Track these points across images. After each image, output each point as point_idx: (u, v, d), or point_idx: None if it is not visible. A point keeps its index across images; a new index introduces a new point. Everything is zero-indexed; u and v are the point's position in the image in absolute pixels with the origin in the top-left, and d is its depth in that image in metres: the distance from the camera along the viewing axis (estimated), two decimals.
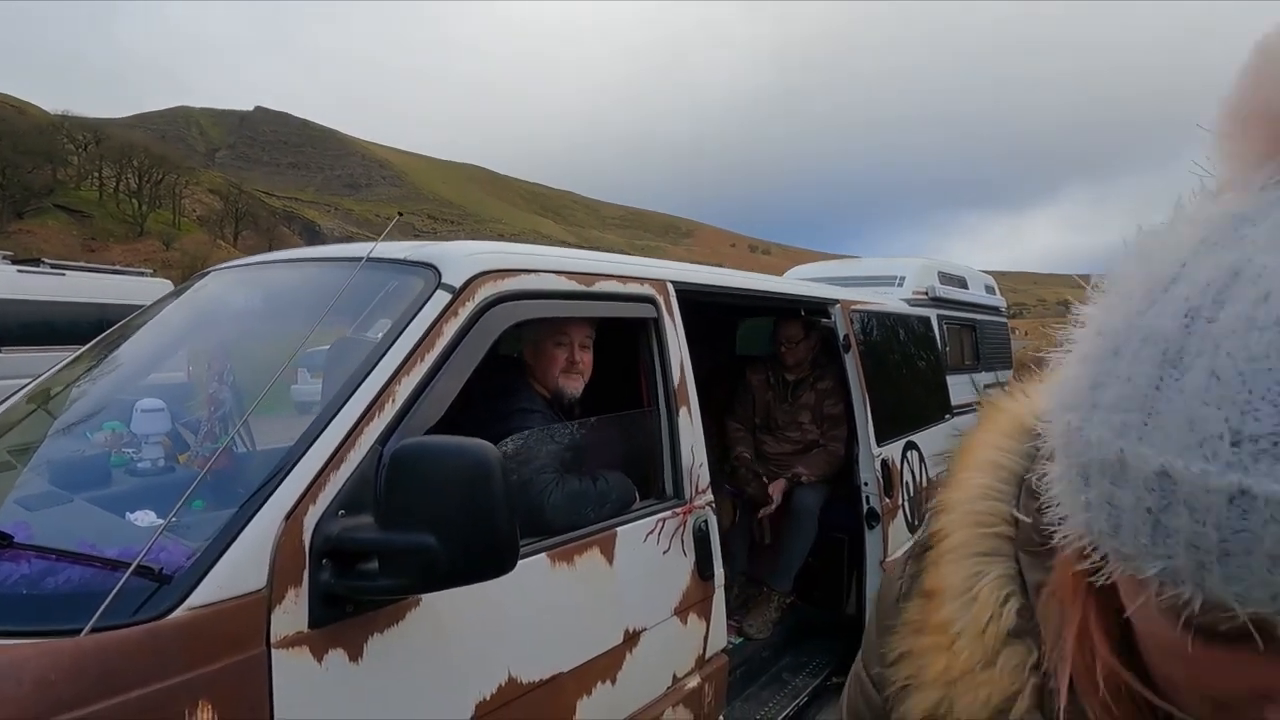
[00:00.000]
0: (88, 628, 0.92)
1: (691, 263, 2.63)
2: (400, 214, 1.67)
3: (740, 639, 2.88)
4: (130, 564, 0.98)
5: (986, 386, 8.93)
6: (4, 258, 8.51)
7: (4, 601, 1.01)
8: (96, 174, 58.85)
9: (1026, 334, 38.14)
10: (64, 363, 1.97)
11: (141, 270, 10.67)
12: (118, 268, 10.75)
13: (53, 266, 8.70)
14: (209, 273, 2.11)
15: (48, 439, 1.72)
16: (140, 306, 2.18)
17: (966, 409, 8.02)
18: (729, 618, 2.03)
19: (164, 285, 9.53)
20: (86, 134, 60.14)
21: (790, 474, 3.01)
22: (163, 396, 1.77)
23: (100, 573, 1.02)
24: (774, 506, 2.97)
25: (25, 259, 9.09)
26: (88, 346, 2.02)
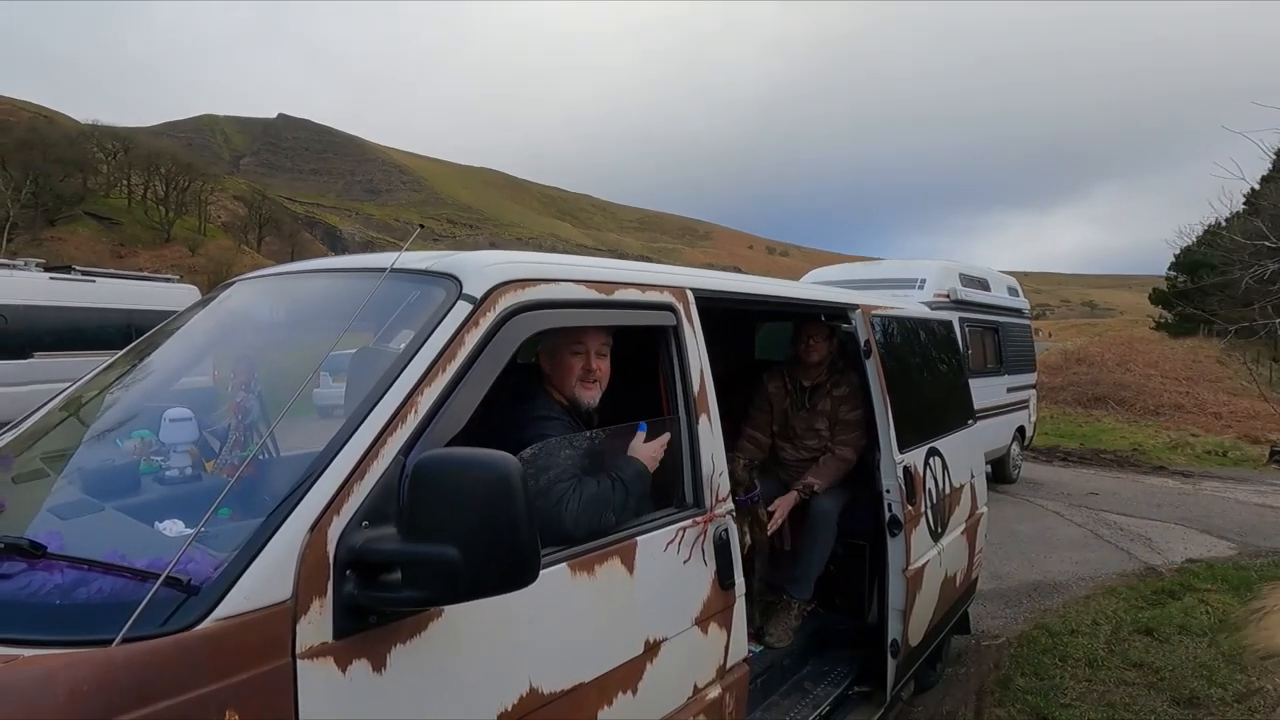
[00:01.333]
0: (118, 638, 0.94)
1: (709, 265, 2.62)
2: (421, 225, 1.68)
3: (760, 647, 2.86)
4: (160, 575, 1.00)
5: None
6: (37, 265, 8.72)
7: (38, 611, 1.03)
8: (125, 182, 60.11)
9: (1051, 335, 37.51)
10: (96, 371, 2.01)
11: (168, 276, 10.88)
12: (145, 274, 10.98)
13: (83, 273, 8.89)
14: (234, 283, 2.14)
15: (80, 446, 1.75)
16: (167, 312, 2.23)
17: (990, 413, 7.91)
18: (749, 625, 2.01)
19: (190, 291, 9.71)
20: (115, 143, 61.38)
21: (801, 485, 2.97)
22: (190, 403, 1.81)
23: (130, 583, 1.04)
24: (778, 522, 2.90)
25: (57, 266, 9.31)
26: (118, 355, 2.06)
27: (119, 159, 59.73)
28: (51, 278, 8.41)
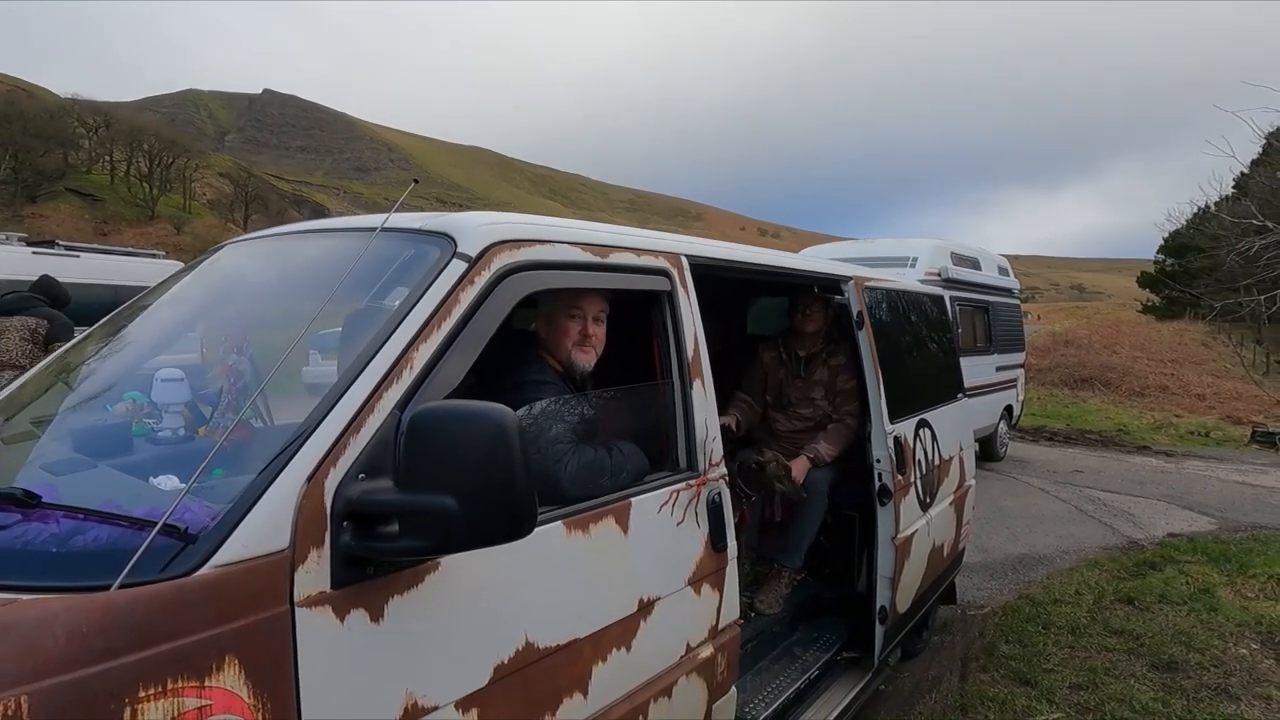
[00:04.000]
0: (117, 583, 0.94)
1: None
2: (416, 180, 1.67)
3: (751, 614, 2.90)
4: (156, 523, 1.00)
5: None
6: (19, 239, 8.58)
7: (35, 559, 1.03)
8: (108, 158, 58.88)
9: (1040, 318, 37.81)
10: (81, 336, 2.00)
11: (154, 252, 10.73)
12: (131, 249, 10.83)
13: (67, 248, 8.76)
14: (223, 246, 2.12)
15: (70, 409, 1.74)
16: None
17: (978, 391, 7.98)
18: (740, 593, 2.04)
19: (176, 268, 9.60)
20: (97, 117, 59.93)
21: (810, 452, 3.00)
22: (180, 366, 1.79)
23: (127, 531, 1.04)
24: (800, 480, 2.94)
25: (40, 240, 9.16)
26: (104, 320, 2.04)
27: (101, 134, 58.42)
28: (34, 252, 8.27)
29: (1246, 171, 18.29)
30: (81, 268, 8.44)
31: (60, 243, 8.99)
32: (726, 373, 3.19)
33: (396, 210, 1.61)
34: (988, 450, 9.11)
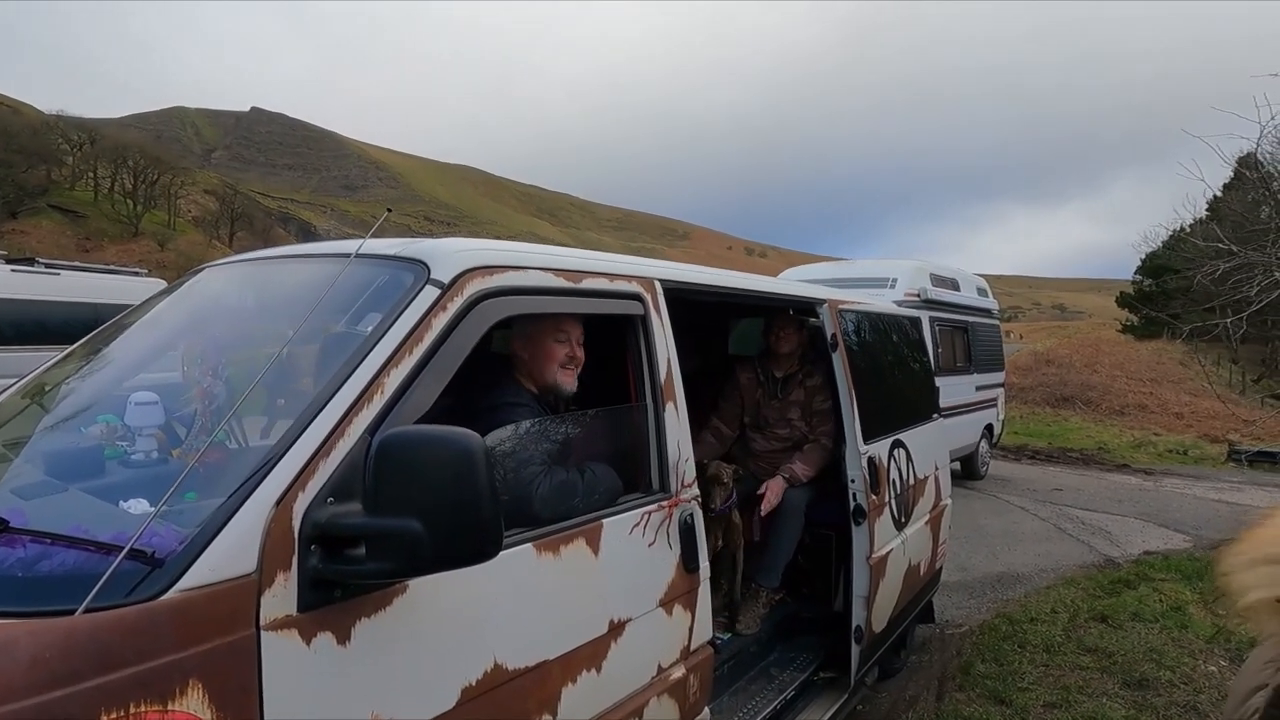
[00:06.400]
0: (81, 608, 0.95)
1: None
2: (389, 210, 1.70)
3: (728, 634, 2.91)
4: (123, 547, 1.01)
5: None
6: None
7: (0, 584, 1.03)
8: (91, 174, 58.44)
9: (1022, 337, 38.32)
10: (57, 358, 2.00)
11: (136, 270, 10.66)
12: (112, 267, 10.74)
13: (47, 266, 8.70)
14: (202, 269, 2.14)
15: (42, 432, 1.74)
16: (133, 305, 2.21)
17: (959, 411, 8.08)
18: (718, 614, 2.05)
19: (158, 285, 9.54)
20: (81, 134, 59.54)
21: (787, 472, 3.04)
22: (156, 393, 1.80)
23: (94, 556, 1.05)
24: (774, 503, 2.99)
25: (19, 258, 9.09)
26: (81, 341, 2.04)
27: (85, 150, 58.03)
28: (13, 270, 8.21)
29: (1220, 195, 18.75)
30: (61, 286, 8.38)
31: (40, 260, 8.92)
32: (706, 393, 3.23)
33: (371, 236, 1.64)
34: (969, 469, 9.19)
